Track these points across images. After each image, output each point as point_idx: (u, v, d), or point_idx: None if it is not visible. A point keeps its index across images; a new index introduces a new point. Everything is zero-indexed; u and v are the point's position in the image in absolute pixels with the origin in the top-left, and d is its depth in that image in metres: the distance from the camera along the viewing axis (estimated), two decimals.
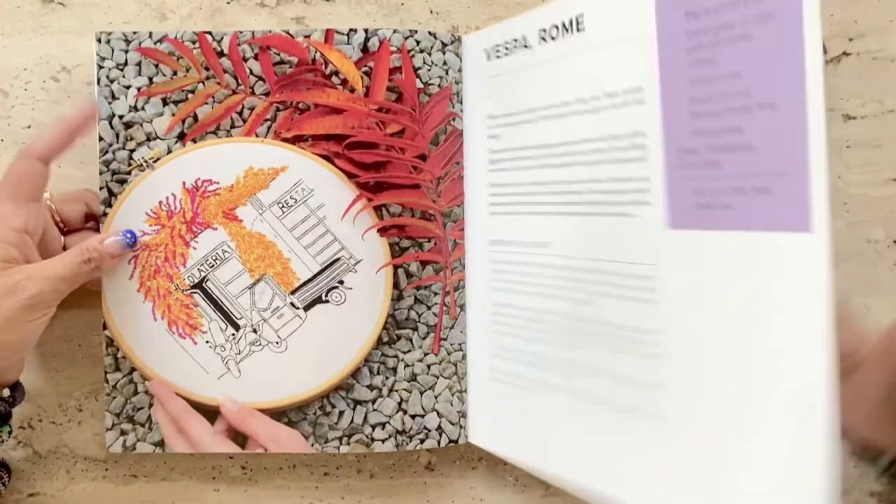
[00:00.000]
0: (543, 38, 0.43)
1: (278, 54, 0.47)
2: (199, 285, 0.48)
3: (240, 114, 0.47)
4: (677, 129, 0.35)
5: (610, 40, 0.38)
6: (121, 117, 0.47)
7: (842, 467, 0.52)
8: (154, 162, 0.47)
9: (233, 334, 0.48)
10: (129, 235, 0.46)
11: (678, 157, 0.35)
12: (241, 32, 0.47)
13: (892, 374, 0.37)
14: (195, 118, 0.47)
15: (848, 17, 0.51)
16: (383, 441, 0.48)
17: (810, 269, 0.31)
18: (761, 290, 0.33)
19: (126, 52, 0.47)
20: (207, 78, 0.47)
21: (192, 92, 0.47)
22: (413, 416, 0.48)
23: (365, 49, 0.47)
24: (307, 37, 0.47)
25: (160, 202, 0.47)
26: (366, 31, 0.47)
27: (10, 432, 0.45)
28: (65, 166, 0.49)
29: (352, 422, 0.48)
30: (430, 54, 0.48)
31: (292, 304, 0.48)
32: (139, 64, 0.47)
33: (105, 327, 0.47)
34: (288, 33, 0.47)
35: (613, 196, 0.39)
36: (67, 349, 0.50)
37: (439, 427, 0.48)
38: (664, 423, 0.37)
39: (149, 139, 0.47)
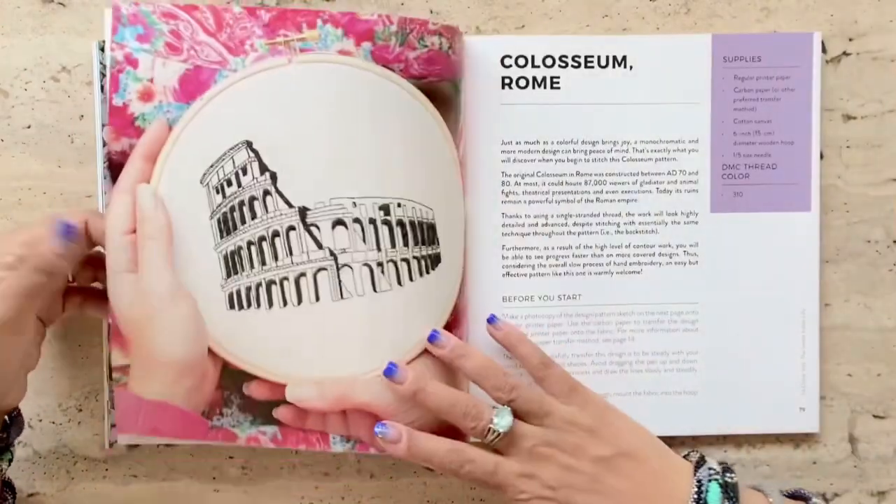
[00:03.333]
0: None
1: None
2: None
3: None
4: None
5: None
6: None
7: (840, 468, 0.53)
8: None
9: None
10: (62, 226, 0.41)
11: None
12: None
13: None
14: None
15: (848, 17, 0.51)
16: None
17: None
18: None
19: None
20: None
21: None
22: None
23: None
24: None
25: None
26: None
27: (10, 460, 0.44)
28: (65, 166, 0.49)
29: None
30: None
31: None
32: None
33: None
34: None
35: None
36: (67, 349, 0.50)
37: None
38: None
39: None
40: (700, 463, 0.45)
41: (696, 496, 0.42)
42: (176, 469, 0.51)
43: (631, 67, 0.49)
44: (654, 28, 0.50)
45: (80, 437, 0.50)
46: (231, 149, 0.44)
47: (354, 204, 0.44)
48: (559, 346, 0.49)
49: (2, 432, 0.44)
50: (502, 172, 0.49)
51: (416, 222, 0.45)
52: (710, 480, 0.43)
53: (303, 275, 0.44)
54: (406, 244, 0.45)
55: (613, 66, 0.49)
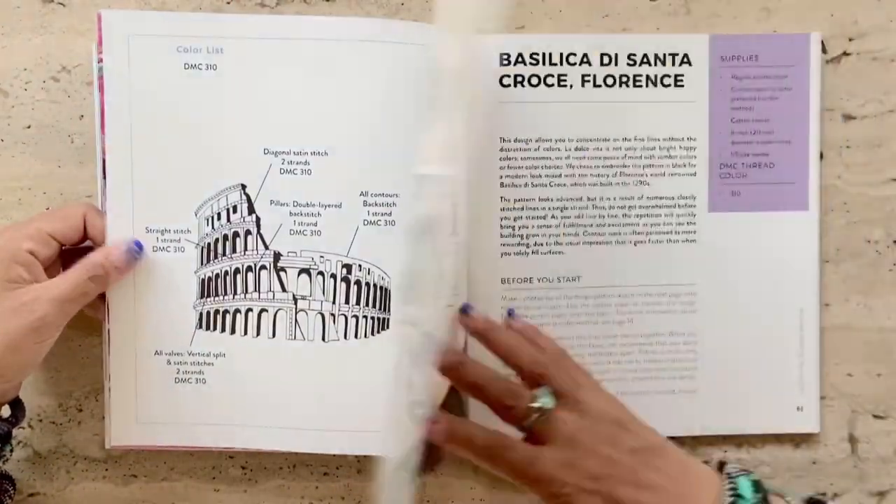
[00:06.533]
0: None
1: None
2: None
3: None
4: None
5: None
6: None
7: (840, 468, 0.53)
8: None
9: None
10: (135, 246, 0.45)
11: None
12: None
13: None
14: None
15: (848, 17, 0.51)
16: None
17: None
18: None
19: None
20: None
21: None
22: None
23: None
24: None
25: None
26: None
27: (11, 450, 0.45)
28: (65, 166, 0.49)
29: None
30: None
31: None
32: None
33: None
34: None
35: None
36: (67, 349, 0.50)
37: None
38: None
39: None
40: (721, 462, 0.43)
41: (731, 490, 0.40)
42: (176, 469, 0.51)
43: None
44: (654, 28, 0.50)
45: (80, 437, 0.50)
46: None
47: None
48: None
49: (10, 417, 0.45)
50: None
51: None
52: (737, 476, 0.41)
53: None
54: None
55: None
